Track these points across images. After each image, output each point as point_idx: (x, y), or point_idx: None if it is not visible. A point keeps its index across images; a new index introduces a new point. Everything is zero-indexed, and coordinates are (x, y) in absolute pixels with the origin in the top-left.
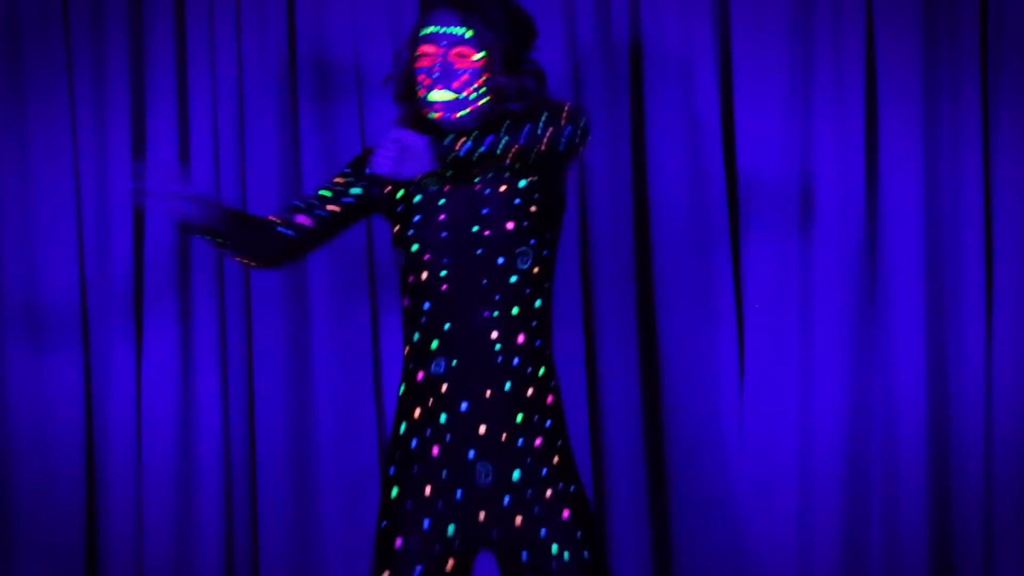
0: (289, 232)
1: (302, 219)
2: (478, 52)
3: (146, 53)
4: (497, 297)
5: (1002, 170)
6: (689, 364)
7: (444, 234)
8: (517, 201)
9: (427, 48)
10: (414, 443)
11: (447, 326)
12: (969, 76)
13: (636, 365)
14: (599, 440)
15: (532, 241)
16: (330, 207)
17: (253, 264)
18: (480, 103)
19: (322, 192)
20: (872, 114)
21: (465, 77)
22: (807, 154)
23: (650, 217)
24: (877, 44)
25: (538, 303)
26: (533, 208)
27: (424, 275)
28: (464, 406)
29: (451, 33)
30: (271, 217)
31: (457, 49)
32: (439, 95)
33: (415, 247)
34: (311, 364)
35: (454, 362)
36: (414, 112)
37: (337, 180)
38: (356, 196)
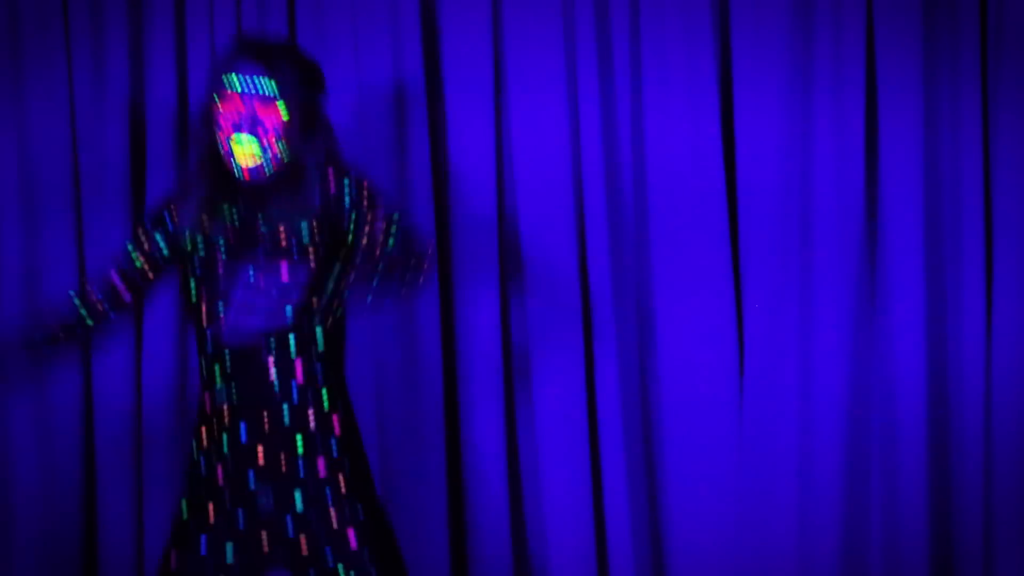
0: (111, 316)
1: (125, 295)
2: (283, 109)
3: (146, 51)
4: (274, 333)
5: (1002, 169)
6: (689, 363)
7: (221, 276)
8: (295, 245)
9: (232, 98)
10: (202, 464)
11: (227, 355)
12: (969, 76)
13: (636, 365)
14: (597, 439)
15: (309, 282)
16: (147, 272)
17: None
18: (283, 158)
19: (135, 261)
20: (872, 113)
21: (271, 134)
22: (807, 153)
23: (649, 216)
24: (877, 44)
25: (318, 336)
26: (314, 253)
27: (204, 310)
28: (244, 432)
29: (258, 88)
30: (93, 302)
31: (263, 104)
32: (245, 146)
33: (193, 284)
34: None
35: (234, 388)
36: (213, 157)
37: (141, 242)
38: (163, 254)
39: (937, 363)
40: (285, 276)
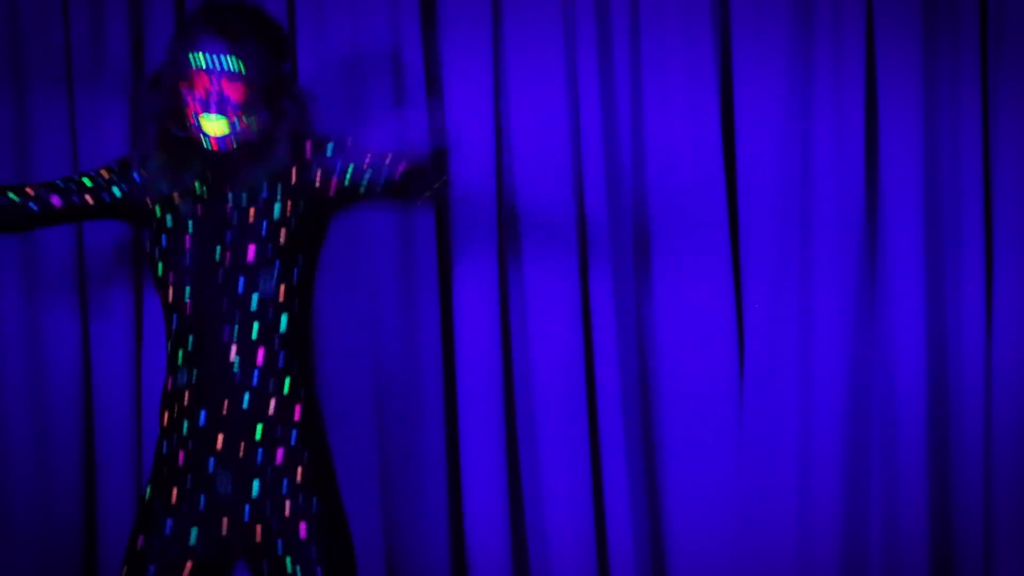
0: (35, 207)
1: (55, 199)
2: (249, 80)
3: (146, 51)
4: (237, 317)
5: (1002, 169)
6: (689, 363)
7: (188, 258)
8: (264, 227)
9: (198, 76)
10: (164, 448)
11: (191, 340)
12: (969, 76)
13: (636, 365)
14: (597, 439)
15: (277, 265)
16: (87, 196)
17: None
18: (251, 128)
19: (84, 180)
20: (872, 113)
21: (239, 109)
22: (807, 153)
23: (649, 216)
24: (877, 44)
25: (283, 323)
26: (283, 234)
27: (170, 293)
28: (203, 417)
29: (223, 64)
30: (26, 189)
31: (229, 79)
32: (214, 123)
33: (160, 267)
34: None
35: (195, 374)
36: (171, 130)
37: (102, 173)
38: (114, 197)
39: (937, 362)
40: (251, 258)
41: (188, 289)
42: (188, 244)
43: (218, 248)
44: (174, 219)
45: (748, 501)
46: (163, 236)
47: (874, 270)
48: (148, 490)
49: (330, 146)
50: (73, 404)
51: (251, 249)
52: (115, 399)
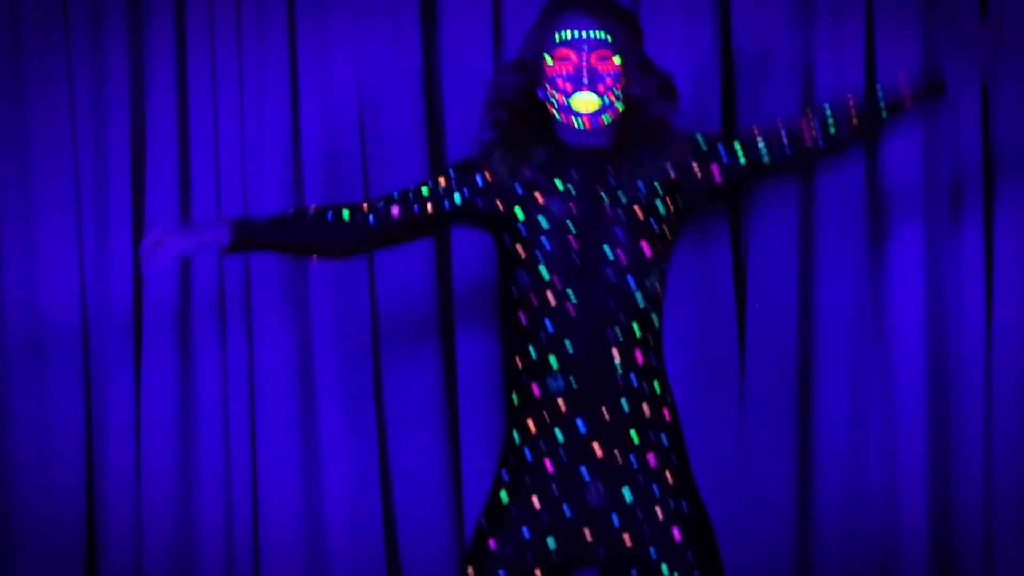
0: (372, 220)
1: (394, 210)
2: (616, 56)
3: (146, 51)
4: (623, 317)
5: (1002, 168)
6: (689, 364)
7: (575, 256)
8: (654, 224)
9: (566, 52)
10: (527, 453)
11: (569, 345)
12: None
13: None
14: None
15: (661, 261)
16: (427, 206)
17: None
18: (619, 107)
19: (421, 189)
20: None
21: (608, 81)
22: None
23: None
24: (877, 43)
25: (655, 320)
26: (668, 230)
27: (549, 295)
28: (581, 425)
29: (592, 37)
30: (362, 204)
31: (598, 53)
32: (585, 100)
33: (542, 267)
34: (313, 363)
35: (573, 380)
36: (527, 116)
37: (439, 179)
38: (454, 204)
39: (937, 363)
40: (648, 255)
41: (573, 291)
42: (575, 245)
43: (606, 247)
44: (549, 220)
45: (748, 501)
46: (542, 238)
47: (874, 268)
48: (503, 493)
49: (699, 137)
50: (74, 402)
51: (644, 246)
52: (116, 397)
